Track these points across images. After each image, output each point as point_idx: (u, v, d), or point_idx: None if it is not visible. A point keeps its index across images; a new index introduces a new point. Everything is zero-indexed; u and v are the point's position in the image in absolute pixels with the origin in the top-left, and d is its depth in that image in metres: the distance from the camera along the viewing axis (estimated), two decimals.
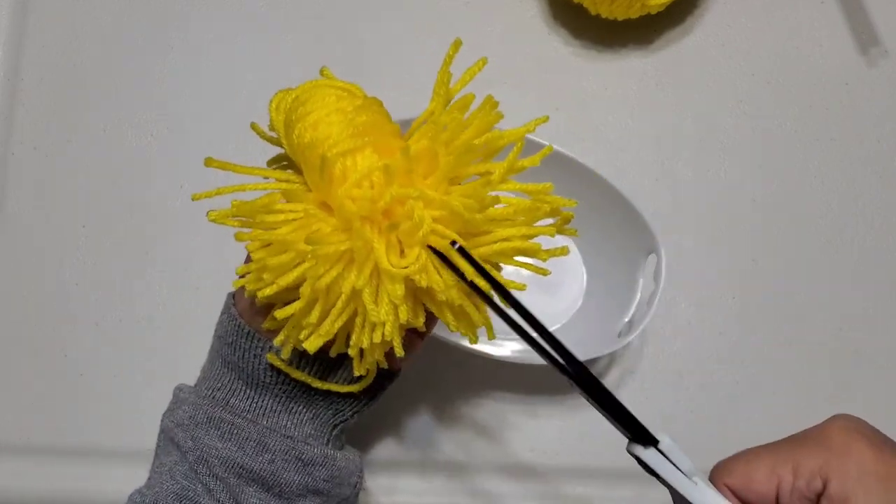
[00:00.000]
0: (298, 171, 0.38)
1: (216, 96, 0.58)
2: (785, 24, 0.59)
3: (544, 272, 0.36)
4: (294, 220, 0.34)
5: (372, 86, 0.58)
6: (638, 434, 0.33)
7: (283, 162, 0.40)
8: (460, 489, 0.51)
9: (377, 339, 0.34)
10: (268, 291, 0.34)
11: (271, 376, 0.39)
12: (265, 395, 0.39)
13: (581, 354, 0.48)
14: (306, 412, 0.40)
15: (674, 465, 0.33)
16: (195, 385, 0.42)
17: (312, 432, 0.40)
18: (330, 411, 0.40)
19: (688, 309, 0.54)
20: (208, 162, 0.37)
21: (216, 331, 0.41)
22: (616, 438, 0.34)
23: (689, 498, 0.32)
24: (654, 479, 0.33)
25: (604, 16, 0.56)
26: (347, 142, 0.34)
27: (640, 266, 0.49)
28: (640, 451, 0.33)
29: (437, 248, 0.33)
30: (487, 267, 0.33)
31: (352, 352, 0.35)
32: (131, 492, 0.40)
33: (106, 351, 0.53)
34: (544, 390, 0.52)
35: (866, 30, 0.58)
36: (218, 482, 0.38)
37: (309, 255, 0.33)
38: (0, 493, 0.51)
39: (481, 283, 0.33)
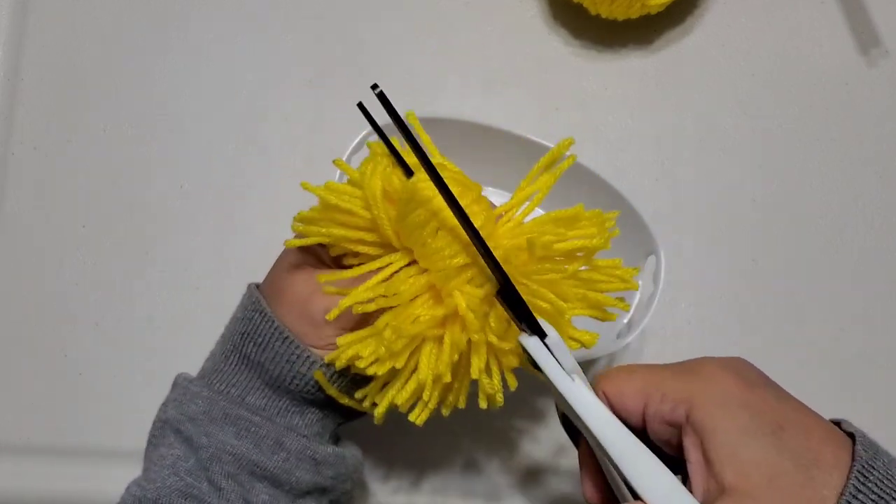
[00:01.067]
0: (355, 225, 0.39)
1: (216, 96, 0.58)
2: (785, 24, 0.59)
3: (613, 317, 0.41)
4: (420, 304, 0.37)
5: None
6: (530, 326, 0.34)
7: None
8: (462, 489, 0.51)
9: (484, 405, 0.38)
10: (382, 369, 0.37)
11: (297, 383, 0.39)
12: (284, 396, 0.39)
13: (580, 355, 0.48)
14: (318, 413, 0.40)
15: (556, 360, 0.34)
16: (202, 377, 0.41)
17: (320, 431, 0.40)
18: (339, 413, 0.41)
19: (688, 309, 0.54)
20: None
21: (237, 326, 0.40)
22: None
23: (562, 391, 0.34)
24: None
25: (604, 16, 0.56)
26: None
27: (640, 267, 0.49)
28: (525, 339, 0.34)
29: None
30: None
31: (445, 411, 0.39)
32: (128, 483, 0.39)
33: (106, 351, 0.54)
34: (546, 390, 0.52)
35: (866, 30, 0.58)
36: (229, 480, 0.38)
37: (450, 349, 0.36)
38: (0, 493, 0.51)
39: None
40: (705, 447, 0.31)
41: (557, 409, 0.38)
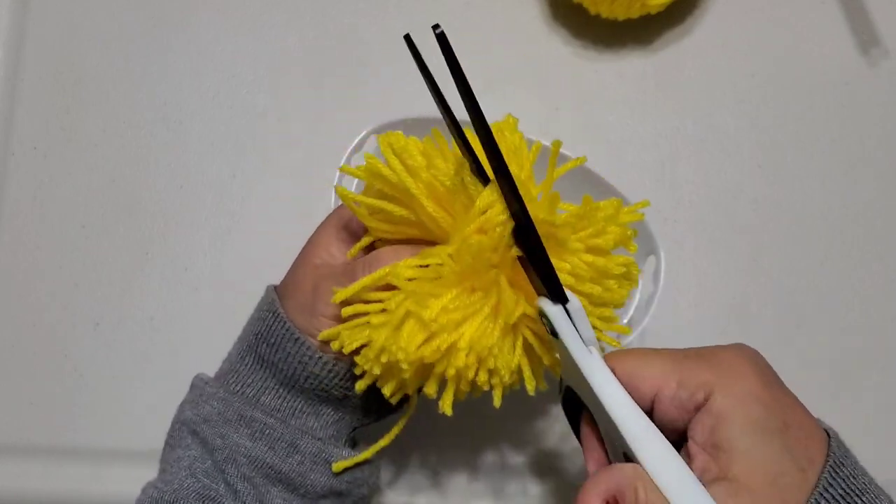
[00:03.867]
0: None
1: (216, 96, 0.58)
2: (785, 24, 0.59)
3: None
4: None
5: (372, 86, 0.58)
6: (552, 291, 0.33)
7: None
8: (463, 489, 0.51)
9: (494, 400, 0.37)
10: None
11: (311, 382, 0.39)
12: (298, 396, 0.39)
13: None
14: (334, 414, 0.40)
15: (575, 328, 0.33)
16: (218, 378, 0.41)
17: (335, 433, 0.40)
18: (356, 415, 0.41)
19: (688, 309, 0.54)
20: None
21: (253, 327, 0.41)
22: None
23: (578, 362, 0.33)
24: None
25: (604, 16, 0.56)
26: None
27: (640, 267, 0.49)
28: (546, 304, 0.34)
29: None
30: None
31: (477, 394, 0.38)
32: (144, 484, 0.39)
33: (106, 351, 0.53)
34: (549, 391, 0.52)
35: (866, 30, 0.58)
36: (245, 483, 0.38)
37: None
38: (0, 493, 0.51)
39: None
40: (718, 433, 0.31)
41: (560, 385, 0.37)
